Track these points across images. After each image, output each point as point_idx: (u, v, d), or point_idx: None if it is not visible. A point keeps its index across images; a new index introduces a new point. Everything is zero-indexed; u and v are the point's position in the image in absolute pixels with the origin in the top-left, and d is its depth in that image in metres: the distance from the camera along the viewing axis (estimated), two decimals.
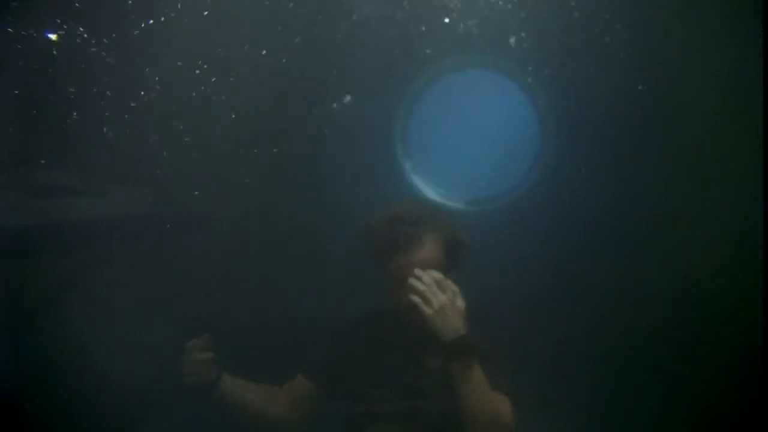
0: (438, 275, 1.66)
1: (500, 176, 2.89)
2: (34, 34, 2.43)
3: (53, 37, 2.47)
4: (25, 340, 2.36)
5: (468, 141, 3.04)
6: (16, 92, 2.45)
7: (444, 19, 2.54)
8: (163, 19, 2.53)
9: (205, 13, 2.53)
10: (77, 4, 2.47)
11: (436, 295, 1.64)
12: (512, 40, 2.57)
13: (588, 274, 2.49)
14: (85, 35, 2.50)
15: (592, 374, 2.49)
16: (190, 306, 2.54)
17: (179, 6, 2.53)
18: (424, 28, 2.56)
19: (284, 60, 2.61)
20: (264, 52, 2.60)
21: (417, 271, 1.66)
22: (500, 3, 2.50)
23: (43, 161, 2.51)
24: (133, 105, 2.58)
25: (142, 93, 2.59)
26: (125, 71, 2.54)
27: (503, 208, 2.74)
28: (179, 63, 2.58)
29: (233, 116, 2.65)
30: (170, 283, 2.56)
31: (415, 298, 1.64)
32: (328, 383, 1.89)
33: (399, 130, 2.87)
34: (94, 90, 2.55)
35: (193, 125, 2.63)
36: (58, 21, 2.47)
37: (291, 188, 2.73)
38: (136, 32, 2.52)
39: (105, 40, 2.51)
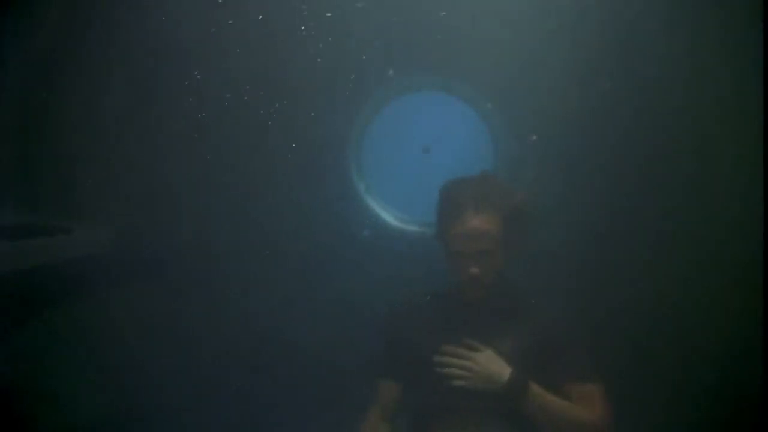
0: (449, 349, 1.69)
1: None
2: None
3: None
4: None
5: (423, 162, 3.01)
6: None
7: (399, 39, 2.51)
8: (118, 58, 2.48)
9: (156, 48, 2.48)
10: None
11: (459, 363, 1.66)
12: (468, 62, 2.55)
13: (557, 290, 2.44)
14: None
15: None
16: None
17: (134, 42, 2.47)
18: (378, 48, 2.53)
19: (239, 84, 2.56)
20: (220, 78, 2.55)
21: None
22: (456, 24, 2.48)
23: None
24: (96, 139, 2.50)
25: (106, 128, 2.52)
26: (86, 106, 2.47)
27: None
28: (141, 98, 2.52)
29: (193, 147, 2.59)
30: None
31: (454, 382, 1.66)
32: (405, 376, 1.82)
33: (353, 152, 2.82)
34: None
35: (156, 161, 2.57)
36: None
37: (245, 213, 2.65)
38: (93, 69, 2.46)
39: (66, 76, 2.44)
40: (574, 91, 2.41)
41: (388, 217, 2.82)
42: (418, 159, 3.00)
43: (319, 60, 2.54)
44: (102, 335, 2.42)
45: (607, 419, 1.64)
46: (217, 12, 2.46)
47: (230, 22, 2.47)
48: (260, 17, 2.48)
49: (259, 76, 2.55)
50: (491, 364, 1.64)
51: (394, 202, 2.89)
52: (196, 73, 2.53)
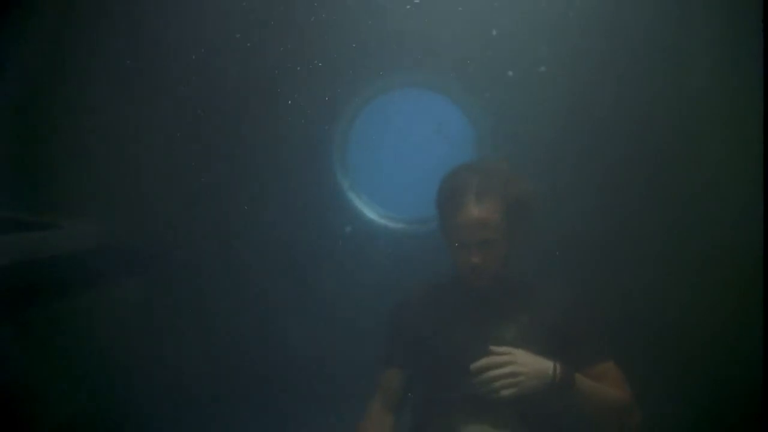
0: (485, 361, 1.53)
1: None
2: None
3: None
4: None
5: (407, 160, 3.02)
6: None
7: (385, 36, 2.50)
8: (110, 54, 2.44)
9: (148, 47, 2.46)
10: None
11: (504, 373, 1.51)
12: (454, 59, 2.55)
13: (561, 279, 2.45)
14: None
15: None
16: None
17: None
18: (363, 45, 2.51)
19: (224, 78, 2.54)
20: (206, 76, 2.53)
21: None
22: (442, 21, 2.47)
23: None
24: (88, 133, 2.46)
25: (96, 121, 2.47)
26: (81, 101, 2.44)
27: None
28: (133, 97, 2.48)
29: (179, 145, 2.58)
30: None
31: (502, 393, 1.50)
32: (412, 367, 1.77)
33: (336, 148, 2.81)
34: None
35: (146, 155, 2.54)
36: None
37: (229, 211, 2.64)
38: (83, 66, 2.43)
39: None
40: (565, 89, 2.41)
41: (372, 214, 2.82)
42: (403, 156, 3.01)
43: (303, 58, 2.53)
44: (92, 332, 2.38)
45: (633, 394, 1.64)
46: (204, 9, 2.44)
47: (217, 19, 2.45)
48: (247, 15, 2.46)
49: (244, 74, 2.53)
50: (531, 362, 1.53)
51: (379, 199, 2.89)
52: (186, 71, 2.51)
